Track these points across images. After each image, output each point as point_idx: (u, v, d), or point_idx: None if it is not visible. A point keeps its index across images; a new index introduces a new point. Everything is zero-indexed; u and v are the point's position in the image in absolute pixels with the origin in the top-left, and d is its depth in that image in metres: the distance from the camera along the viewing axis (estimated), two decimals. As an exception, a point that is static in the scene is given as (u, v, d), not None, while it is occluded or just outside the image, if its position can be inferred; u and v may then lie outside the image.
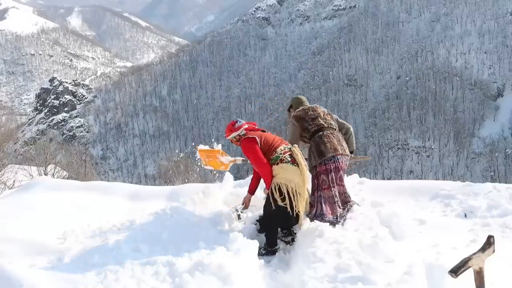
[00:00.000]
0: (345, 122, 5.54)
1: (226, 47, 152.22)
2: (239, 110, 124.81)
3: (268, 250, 4.71)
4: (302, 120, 5.32)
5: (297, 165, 4.63)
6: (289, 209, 4.59)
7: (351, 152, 5.48)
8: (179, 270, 3.83)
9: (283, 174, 4.60)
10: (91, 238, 4.95)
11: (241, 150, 4.84)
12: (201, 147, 5.95)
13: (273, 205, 4.63)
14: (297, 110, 5.46)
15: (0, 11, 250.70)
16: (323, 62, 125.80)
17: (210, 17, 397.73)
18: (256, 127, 5.02)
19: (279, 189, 4.59)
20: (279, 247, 4.78)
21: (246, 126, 4.92)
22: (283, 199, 4.58)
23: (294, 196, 4.58)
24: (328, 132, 5.18)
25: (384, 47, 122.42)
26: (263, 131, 5.01)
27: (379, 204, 5.37)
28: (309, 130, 5.24)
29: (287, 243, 4.88)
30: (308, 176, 4.79)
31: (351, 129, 5.54)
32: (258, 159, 4.69)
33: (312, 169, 5.16)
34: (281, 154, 4.68)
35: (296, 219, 4.73)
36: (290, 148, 4.73)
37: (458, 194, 5.77)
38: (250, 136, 4.78)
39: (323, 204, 4.96)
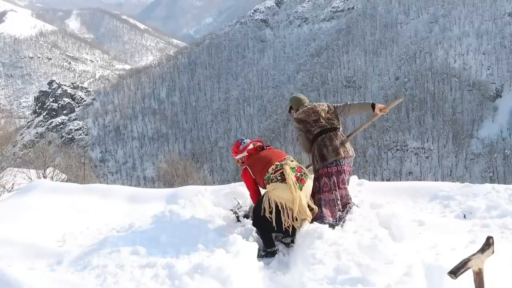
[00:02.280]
0: (341, 104, 5.52)
1: (225, 49, 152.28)
2: (237, 112, 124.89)
3: (267, 251, 4.71)
4: (305, 123, 5.33)
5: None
6: (274, 224, 4.62)
7: (368, 108, 5.35)
8: (179, 273, 3.83)
9: (274, 192, 4.65)
10: (90, 241, 4.95)
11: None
12: None
13: (261, 211, 4.69)
14: (298, 113, 5.42)
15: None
16: (321, 63, 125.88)
17: (208, 19, 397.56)
18: (260, 145, 5.13)
19: (269, 202, 4.66)
20: (277, 248, 4.78)
21: (251, 146, 5.07)
22: (271, 212, 4.62)
23: (283, 211, 4.61)
24: (331, 134, 5.18)
25: (383, 48, 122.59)
26: (264, 147, 5.12)
27: (378, 206, 5.37)
28: (312, 132, 5.25)
29: (286, 244, 4.87)
30: (306, 189, 4.75)
31: (349, 103, 5.51)
32: (248, 188, 5.08)
33: (314, 172, 5.19)
34: (271, 174, 4.73)
35: (285, 231, 4.72)
36: (282, 165, 4.71)
37: (457, 195, 5.77)
38: (243, 167, 5.06)
39: (323, 207, 4.96)
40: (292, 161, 4.84)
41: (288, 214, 4.62)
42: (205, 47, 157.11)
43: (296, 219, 4.66)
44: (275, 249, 4.75)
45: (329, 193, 5.04)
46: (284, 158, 4.86)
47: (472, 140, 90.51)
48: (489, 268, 3.17)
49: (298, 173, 4.70)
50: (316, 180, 5.11)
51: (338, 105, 5.51)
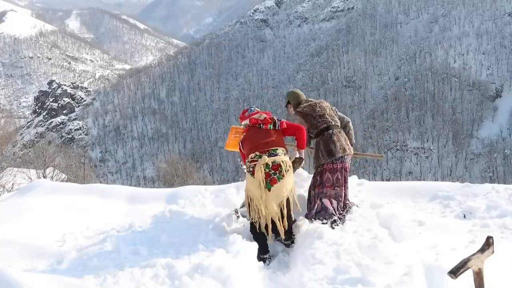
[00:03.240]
0: (345, 116, 5.52)
1: (225, 49, 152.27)
2: (237, 112, 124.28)
3: (258, 256, 4.53)
4: (310, 117, 5.25)
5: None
6: (247, 215, 4.65)
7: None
8: (179, 273, 3.82)
9: (246, 181, 4.64)
10: (90, 241, 4.95)
11: None
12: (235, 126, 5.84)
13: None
14: (303, 106, 5.34)
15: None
16: (321, 63, 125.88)
17: (208, 19, 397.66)
18: (264, 119, 4.83)
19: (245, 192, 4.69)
20: (268, 257, 4.64)
21: (256, 116, 4.86)
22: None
23: (249, 205, 4.58)
24: (336, 131, 5.16)
25: (383, 48, 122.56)
26: (263, 123, 4.80)
27: (378, 206, 5.37)
28: (318, 127, 5.18)
29: (286, 245, 4.84)
30: (275, 191, 4.50)
31: (351, 123, 5.52)
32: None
33: (317, 166, 5.13)
34: (248, 162, 4.64)
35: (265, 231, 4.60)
36: (261, 157, 4.54)
37: (457, 195, 5.78)
38: (239, 136, 4.96)
39: (323, 199, 4.96)
40: (274, 155, 4.56)
41: (255, 210, 4.53)
42: (205, 47, 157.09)
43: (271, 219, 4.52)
44: (264, 256, 4.61)
45: (330, 188, 5.04)
46: (267, 150, 4.60)
47: (472, 140, 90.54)
48: (489, 268, 3.17)
49: (272, 171, 4.49)
50: (319, 174, 5.08)
51: (342, 115, 5.50)
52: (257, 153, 4.59)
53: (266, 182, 4.48)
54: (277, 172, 4.50)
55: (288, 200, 4.61)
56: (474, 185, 6.07)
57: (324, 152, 5.06)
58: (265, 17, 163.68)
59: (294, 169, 4.93)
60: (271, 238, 4.64)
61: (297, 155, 5.05)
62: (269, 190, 4.47)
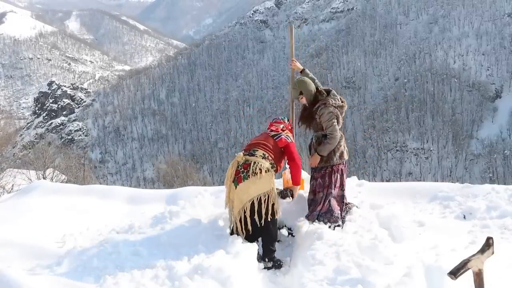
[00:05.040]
0: None
1: (224, 50, 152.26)
2: (237, 113, 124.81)
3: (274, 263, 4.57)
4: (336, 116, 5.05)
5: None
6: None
7: None
8: (178, 274, 3.83)
9: None
10: (90, 242, 4.94)
11: None
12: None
13: None
14: (335, 106, 5.06)
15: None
16: (321, 64, 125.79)
17: (208, 20, 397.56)
18: (277, 127, 4.90)
19: None
20: (264, 261, 4.55)
21: (275, 124, 4.96)
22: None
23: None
24: (342, 134, 5.16)
25: (382, 49, 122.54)
26: (273, 130, 4.89)
27: (378, 206, 5.38)
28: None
29: (266, 268, 4.55)
30: (240, 191, 4.44)
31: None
32: None
33: (326, 166, 5.04)
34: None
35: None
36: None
37: (457, 195, 5.78)
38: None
39: (331, 201, 4.95)
40: (251, 155, 4.53)
41: (227, 201, 4.63)
42: (204, 48, 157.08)
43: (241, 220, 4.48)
44: (281, 262, 4.56)
45: (339, 189, 5.04)
46: (249, 149, 4.62)
47: (472, 140, 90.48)
48: (489, 269, 3.17)
49: (242, 169, 4.46)
50: (327, 175, 5.02)
51: None
52: (243, 151, 4.64)
53: (234, 179, 4.49)
54: (245, 171, 4.44)
55: (256, 208, 4.43)
56: (474, 185, 6.07)
57: (338, 153, 5.04)
58: (264, 18, 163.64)
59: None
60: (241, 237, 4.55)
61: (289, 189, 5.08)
62: (235, 188, 4.47)
